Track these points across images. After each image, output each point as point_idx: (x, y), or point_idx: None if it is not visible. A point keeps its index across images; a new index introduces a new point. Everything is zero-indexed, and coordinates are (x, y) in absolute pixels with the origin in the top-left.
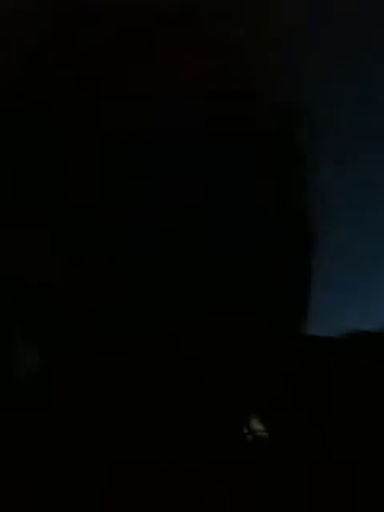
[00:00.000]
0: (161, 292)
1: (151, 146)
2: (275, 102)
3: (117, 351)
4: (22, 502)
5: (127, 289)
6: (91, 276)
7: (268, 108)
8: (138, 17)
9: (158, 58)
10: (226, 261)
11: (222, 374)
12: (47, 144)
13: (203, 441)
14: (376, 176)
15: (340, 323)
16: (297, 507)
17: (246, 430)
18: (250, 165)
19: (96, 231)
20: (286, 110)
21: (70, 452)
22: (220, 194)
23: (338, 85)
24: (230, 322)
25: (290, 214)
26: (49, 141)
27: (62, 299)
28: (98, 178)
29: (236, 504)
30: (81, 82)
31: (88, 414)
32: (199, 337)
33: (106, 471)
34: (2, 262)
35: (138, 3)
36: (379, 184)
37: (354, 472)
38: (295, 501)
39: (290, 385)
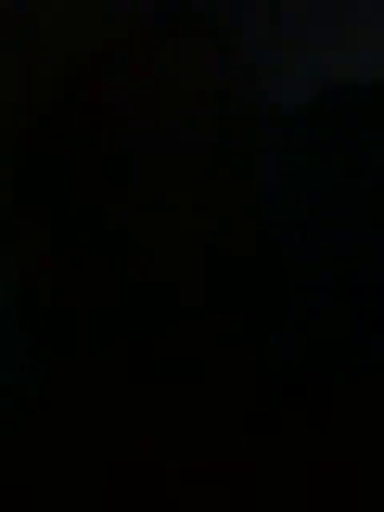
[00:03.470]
0: (161, 292)
1: (151, 147)
2: None
3: (117, 351)
4: (22, 502)
5: (127, 289)
6: (91, 276)
7: None
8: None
9: (158, 63)
10: (226, 260)
11: (222, 374)
12: (47, 144)
13: (203, 441)
14: None
15: None
16: (297, 507)
17: (245, 429)
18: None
19: (96, 231)
20: None
21: (70, 452)
22: (219, 192)
23: None
24: (230, 322)
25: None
26: (49, 140)
27: (62, 299)
28: (98, 178)
29: (236, 504)
30: (81, 84)
31: (88, 414)
32: (199, 337)
33: (106, 471)
34: (2, 262)
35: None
36: None
37: (354, 472)
38: (295, 501)
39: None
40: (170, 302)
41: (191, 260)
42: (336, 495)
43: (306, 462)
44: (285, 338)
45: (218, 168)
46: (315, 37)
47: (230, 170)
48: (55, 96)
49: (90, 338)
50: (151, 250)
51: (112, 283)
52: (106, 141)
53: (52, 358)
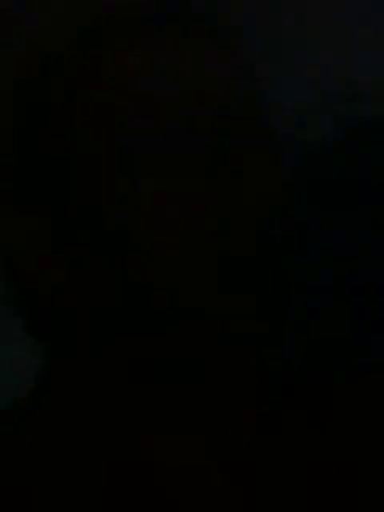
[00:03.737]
0: (161, 292)
1: (150, 147)
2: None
3: (117, 351)
4: (22, 501)
5: (127, 289)
6: (91, 276)
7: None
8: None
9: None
10: (226, 260)
11: (222, 374)
12: (48, 143)
13: (202, 441)
14: None
15: None
16: (297, 508)
17: (245, 429)
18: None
19: (96, 231)
20: None
21: (70, 452)
22: (219, 191)
23: None
24: (229, 319)
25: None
26: (49, 140)
27: (62, 299)
28: (98, 177)
29: (236, 504)
30: (81, 81)
31: (88, 413)
32: (199, 337)
33: (106, 471)
34: (3, 262)
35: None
36: None
37: (354, 472)
38: (295, 501)
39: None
40: (169, 301)
41: (191, 260)
42: (336, 496)
43: (306, 463)
44: (285, 338)
45: (217, 168)
46: (317, 38)
47: (230, 170)
48: (55, 95)
49: (90, 337)
50: (151, 249)
51: (112, 283)
52: (106, 141)
53: (52, 357)
